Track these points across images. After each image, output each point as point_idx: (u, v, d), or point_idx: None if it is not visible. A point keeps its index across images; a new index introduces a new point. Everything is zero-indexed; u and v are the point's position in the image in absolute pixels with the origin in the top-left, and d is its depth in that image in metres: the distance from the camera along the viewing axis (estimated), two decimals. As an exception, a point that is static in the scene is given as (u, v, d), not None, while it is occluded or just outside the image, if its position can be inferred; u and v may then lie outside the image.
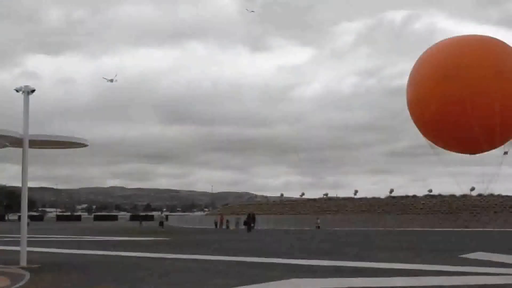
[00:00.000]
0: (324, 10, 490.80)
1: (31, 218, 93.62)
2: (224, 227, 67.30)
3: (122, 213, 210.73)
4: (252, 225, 58.53)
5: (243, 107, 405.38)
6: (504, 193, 66.24)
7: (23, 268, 18.01)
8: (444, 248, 27.61)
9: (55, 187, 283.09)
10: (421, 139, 28.89)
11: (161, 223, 72.37)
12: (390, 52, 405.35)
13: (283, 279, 14.88)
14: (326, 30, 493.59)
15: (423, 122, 28.16)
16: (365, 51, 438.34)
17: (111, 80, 66.30)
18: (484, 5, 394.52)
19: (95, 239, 41.49)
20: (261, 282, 14.31)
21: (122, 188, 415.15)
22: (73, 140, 20.31)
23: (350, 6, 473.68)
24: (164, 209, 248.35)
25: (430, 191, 71.90)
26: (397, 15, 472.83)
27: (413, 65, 29.02)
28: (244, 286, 13.53)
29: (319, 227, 62.03)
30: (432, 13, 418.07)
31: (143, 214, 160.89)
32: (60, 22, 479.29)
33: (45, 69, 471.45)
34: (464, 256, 22.11)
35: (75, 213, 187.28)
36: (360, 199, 75.08)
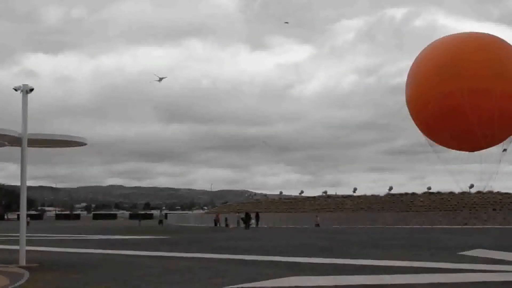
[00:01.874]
0: (324, 7, 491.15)
1: (30, 217, 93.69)
2: (223, 225, 67.70)
3: (121, 211, 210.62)
4: (250, 223, 60.26)
5: (243, 105, 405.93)
6: (503, 190, 66.43)
7: (22, 267, 18.00)
8: (443, 246, 27.61)
9: (54, 186, 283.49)
10: (420, 137, 28.87)
11: (161, 222, 72.42)
12: (390, 50, 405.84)
13: (282, 277, 14.88)
14: (325, 28, 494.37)
15: (422, 120, 28.13)
16: (364, 49, 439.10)
17: (160, 79, 67.06)
18: (485, 2, 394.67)
19: (94, 237, 41.49)
20: (260, 280, 14.31)
21: (121, 187, 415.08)
22: (72, 139, 20.29)
23: (350, 3, 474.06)
24: (164, 207, 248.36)
25: (429, 188, 72.00)
26: (397, 13, 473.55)
27: (412, 63, 28.98)
28: (243, 284, 13.52)
29: (318, 225, 62.08)
30: (432, 11, 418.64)
31: (142, 212, 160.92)
32: (59, 21, 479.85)
33: (44, 68, 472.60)
34: (463, 253, 22.13)
35: (74, 212, 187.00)
36: (359, 196, 75.11)
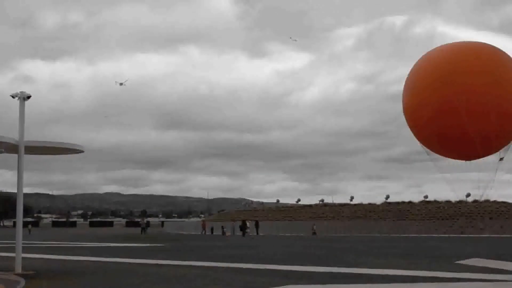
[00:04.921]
0: (323, 15, 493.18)
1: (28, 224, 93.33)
2: (208, 233, 69.90)
3: (118, 219, 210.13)
4: (246, 231, 61.31)
5: (240, 113, 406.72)
6: (499, 199, 66.36)
7: (18, 274, 17.93)
8: (439, 254, 27.61)
9: (50, 193, 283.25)
10: (417, 145, 28.87)
11: (143, 230, 73.39)
12: (388, 58, 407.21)
13: (278, 285, 14.85)
14: (324, 35, 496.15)
15: (419, 128, 28.17)
16: (363, 56, 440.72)
17: (121, 84, 67.62)
18: (484, 11, 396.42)
19: (91, 245, 41.37)
20: (257, 289, 14.31)
21: (118, 194, 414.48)
22: (69, 146, 20.26)
23: (349, 11, 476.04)
24: (160, 215, 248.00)
25: (426, 197, 71.94)
26: (396, 20, 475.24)
27: (409, 71, 29.06)
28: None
29: (315, 233, 62.01)
30: (431, 18, 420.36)
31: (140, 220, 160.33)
32: (56, 27, 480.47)
33: (41, 74, 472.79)
34: (459, 262, 22.12)
35: (71, 219, 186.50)
36: (356, 205, 75.02)
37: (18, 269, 18.85)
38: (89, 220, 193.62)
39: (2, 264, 21.46)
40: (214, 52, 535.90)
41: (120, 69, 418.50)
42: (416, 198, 73.36)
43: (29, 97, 19.45)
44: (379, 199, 76.16)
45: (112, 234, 71.38)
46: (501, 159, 26.78)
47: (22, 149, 19.06)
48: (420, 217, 66.02)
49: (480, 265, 20.95)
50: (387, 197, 74.44)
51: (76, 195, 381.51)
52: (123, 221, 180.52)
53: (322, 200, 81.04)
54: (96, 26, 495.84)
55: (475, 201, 61.50)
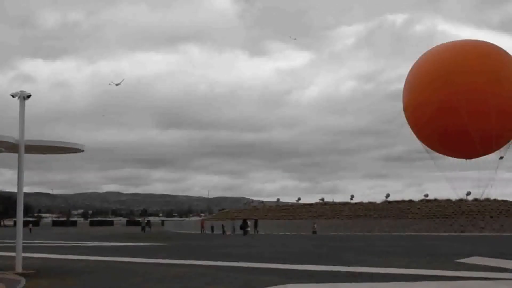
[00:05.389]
0: (323, 14, 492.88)
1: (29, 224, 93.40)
2: (209, 232, 69.96)
3: (118, 218, 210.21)
4: (247, 229, 61.46)
5: (240, 112, 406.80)
6: (500, 198, 66.32)
7: (18, 274, 17.94)
8: (440, 253, 27.61)
9: (51, 192, 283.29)
10: (418, 144, 28.83)
11: (143, 228, 73.34)
12: (389, 56, 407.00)
13: (279, 284, 14.85)
14: (324, 34, 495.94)
15: (420, 127, 28.15)
16: (363, 55, 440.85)
17: (116, 84, 67.70)
18: (485, 9, 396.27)
19: (91, 244, 41.37)
20: (257, 287, 14.30)
21: (118, 193, 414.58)
22: (69, 145, 20.27)
23: (349, 10, 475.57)
24: (161, 214, 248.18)
25: (426, 195, 71.87)
26: (397, 19, 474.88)
27: (409, 70, 29.00)
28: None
29: (315, 231, 62.03)
30: (432, 17, 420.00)
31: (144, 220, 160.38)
32: (57, 26, 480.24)
33: (42, 74, 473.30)
34: (460, 260, 22.12)
35: (71, 219, 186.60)
36: (356, 204, 75.02)
37: (19, 268, 18.86)
38: (89, 219, 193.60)
39: (3, 263, 21.47)
40: (214, 51, 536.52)
41: (120, 68, 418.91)
42: (417, 196, 73.37)
43: (29, 96, 19.44)
44: (379, 198, 76.13)
45: (113, 233, 71.36)
46: (501, 157, 26.74)
47: (22, 148, 19.06)
48: (420, 215, 66.01)
49: (481, 263, 20.95)
50: (388, 195, 74.42)
51: (76, 194, 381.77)
52: (124, 220, 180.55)
53: (323, 199, 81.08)
54: (96, 25, 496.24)
55: (475, 200, 61.47)
